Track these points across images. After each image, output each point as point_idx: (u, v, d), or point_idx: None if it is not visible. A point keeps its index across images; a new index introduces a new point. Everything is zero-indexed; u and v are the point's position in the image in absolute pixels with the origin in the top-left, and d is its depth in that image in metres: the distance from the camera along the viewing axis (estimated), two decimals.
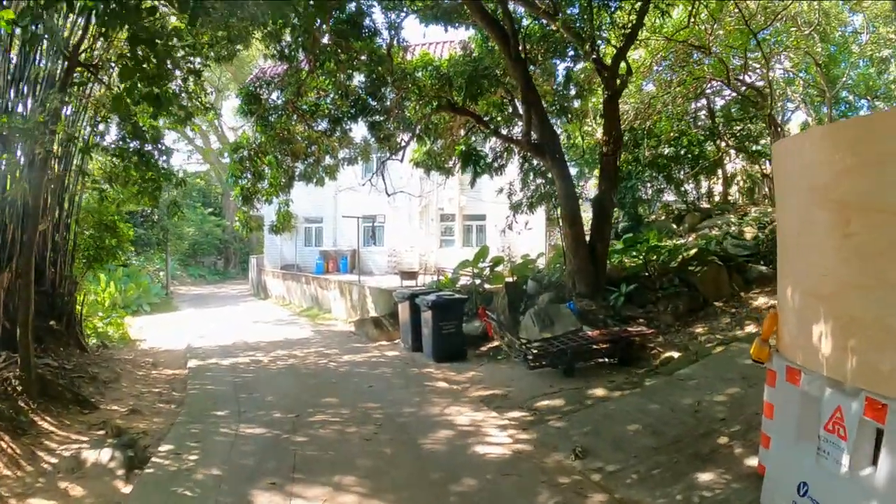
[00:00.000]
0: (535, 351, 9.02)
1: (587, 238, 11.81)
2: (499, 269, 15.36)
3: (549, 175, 13.16)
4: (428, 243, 25.95)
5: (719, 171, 23.33)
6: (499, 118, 14.09)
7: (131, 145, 9.19)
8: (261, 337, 15.19)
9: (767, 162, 18.74)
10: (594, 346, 9.26)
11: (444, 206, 25.87)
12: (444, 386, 9.00)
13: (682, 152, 20.12)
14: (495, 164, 14.48)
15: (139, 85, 5.54)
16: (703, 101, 20.56)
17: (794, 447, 4.07)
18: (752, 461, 4.98)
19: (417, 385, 9.09)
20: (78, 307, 11.42)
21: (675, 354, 8.96)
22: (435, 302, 10.84)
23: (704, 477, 4.96)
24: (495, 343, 11.49)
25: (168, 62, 6.16)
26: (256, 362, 11.51)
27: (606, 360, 9.36)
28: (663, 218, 22.44)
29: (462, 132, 15.67)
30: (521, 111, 13.09)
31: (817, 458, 3.83)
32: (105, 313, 16.24)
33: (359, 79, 13.68)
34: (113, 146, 9.36)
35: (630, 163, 18.82)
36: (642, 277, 12.24)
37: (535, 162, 14.12)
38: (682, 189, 22.72)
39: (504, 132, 14.00)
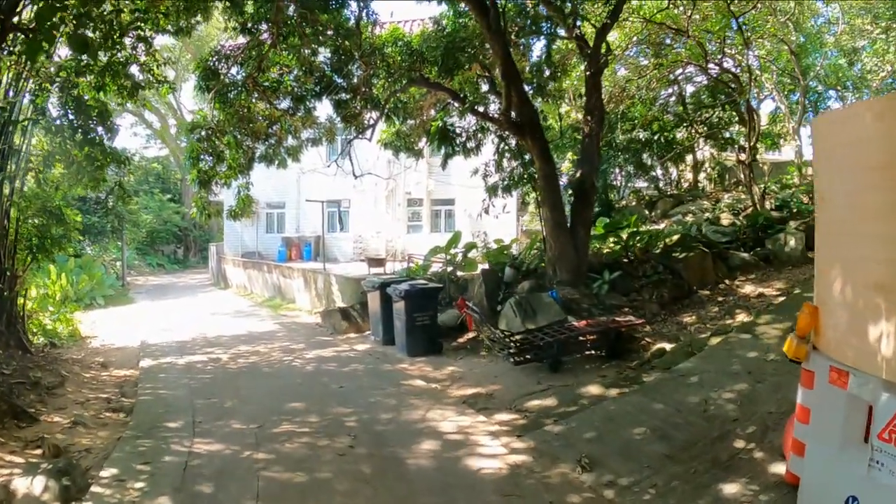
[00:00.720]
0: (518, 345, 8.41)
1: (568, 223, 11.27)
2: (472, 255, 14.75)
3: (528, 156, 12.52)
4: (395, 229, 25.19)
5: (688, 158, 23.16)
6: (473, 96, 13.36)
7: (72, 121, 8.18)
8: (221, 331, 14.25)
9: (739, 150, 18.44)
10: (581, 338, 8.69)
11: (412, 190, 25.11)
12: (422, 385, 8.29)
13: (655, 137, 19.74)
14: (469, 145, 13.75)
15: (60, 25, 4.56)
16: (675, 88, 20.22)
17: (840, 457, 3.57)
18: (777, 468, 4.47)
19: (393, 384, 8.33)
20: (21, 303, 10.41)
21: (667, 346, 8.45)
22: (408, 292, 10.14)
23: (729, 488, 4.40)
24: (472, 334, 10.88)
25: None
26: (215, 361, 10.59)
27: (593, 352, 8.82)
28: (634, 204, 22.20)
29: (433, 112, 14.98)
30: (497, 88, 12.46)
31: (869, 470, 3.35)
32: (55, 308, 15.14)
33: (324, 54, 12.85)
34: (53, 121, 8.28)
35: (602, 147, 18.33)
36: (623, 264, 11.76)
37: (512, 142, 13.45)
38: (653, 175, 22.48)
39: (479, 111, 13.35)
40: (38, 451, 5.74)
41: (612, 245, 13.15)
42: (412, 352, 10.12)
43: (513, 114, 11.07)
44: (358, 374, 9.15)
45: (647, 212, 20.09)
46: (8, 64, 8.04)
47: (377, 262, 18.03)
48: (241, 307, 19.74)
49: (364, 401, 7.47)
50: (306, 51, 12.03)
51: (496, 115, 12.20)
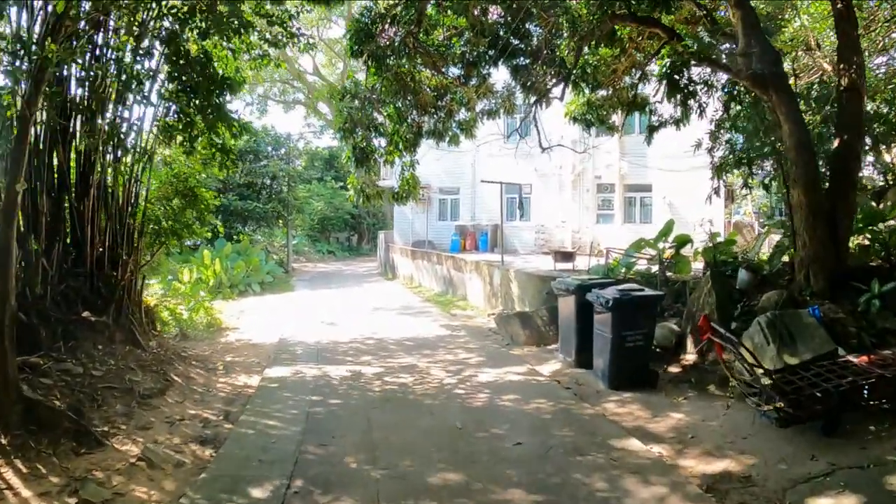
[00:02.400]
0: (787, 392, 5.68)
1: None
2: (684, 252, 12.09)
3: (767, 119, 9.63)
4: (582, 218, 22.75)
5: None
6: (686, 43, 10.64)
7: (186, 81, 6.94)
8: (377, 331, 12.78)
9: None
10: (864, 383, 5.93)
11: (602, 173, 22.47)
12: (639, 448, 5.79)
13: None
14: (692, 103, 10.94)
15: None
16: None
17: None
18: None
19: (597, 445, 5.85)
20: (139, 293, 9.67)
21: None
22: (618, 301, 7.77)
23: None
24: (689, 357, 8.40)
25: None
26: (356, 376, 8.91)
27: (873, 403, 5.98)
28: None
29: (627, 79, 12.51)
30: (726, 29, 9.71)
31: None
32: (209, 295, 14.82)
33: (497, 12, 10.98)
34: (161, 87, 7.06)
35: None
36: (885, 270, 8.52)
37: (744, 100, 10.56)
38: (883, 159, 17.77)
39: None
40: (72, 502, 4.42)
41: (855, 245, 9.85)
42: (616, 382, 7.83)
43: (752, 62, 8.36)
44: (544, 420, 6.81)
45: (872, 203, 15.86)
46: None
47: (565, 255, 15.71)
48: (407, 302, 18.41)
49: (554, 479, 5.11)
50: (475, 10, 10.29)
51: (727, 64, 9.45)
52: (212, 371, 8.98)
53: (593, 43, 10.65)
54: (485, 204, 24.66)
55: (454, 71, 11.76)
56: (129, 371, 7.51)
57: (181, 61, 6.79)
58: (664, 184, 21.28)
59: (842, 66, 8.69)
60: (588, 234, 22.35)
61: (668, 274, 11.04)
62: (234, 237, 25.15)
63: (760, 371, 5.99)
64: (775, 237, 20.48)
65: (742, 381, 6.29)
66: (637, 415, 6.79)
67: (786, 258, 9.65)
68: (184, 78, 6.83)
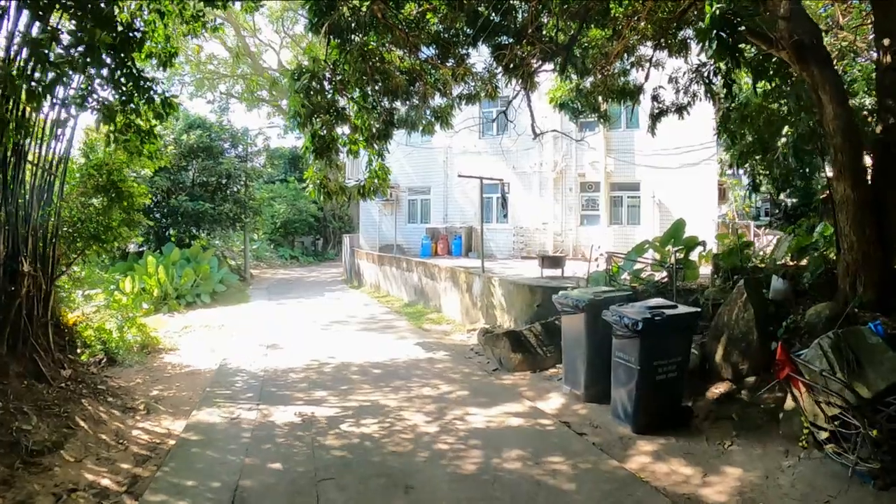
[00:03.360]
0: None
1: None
2: (693, 255, 10.84)
3: (803, 98, 8.36)
4: (565, 220, 21.44)
5: None
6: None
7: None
8: (336, 353, 10.99)
9: None
10: None
11: (586, 171, 21.18)
12: None
13: None
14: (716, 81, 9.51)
15: None
16: None
17: None
18: None
19: None
20: (54, 310, 8.01)
21: None
22: (651, 322, 6.25)
23: None
24: (720, 386, 7.07)
25: None
26: (308, 423, 7.05)
27: None
28: None
29: (617, 66, 11.34)
30: None
31: None
32: (152, 307, 13.11)
33: None
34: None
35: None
36: None
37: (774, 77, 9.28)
38: None
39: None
40: None
41: None
42: (644, 424, 6.36)
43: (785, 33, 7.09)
44: (568, 496, 5.07)
45: None
46: None
47: (553, 261, 14.18)
48: (372, 313, 16.63)
49: None
50: None
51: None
52: (130, 412, 7.25)
53: (583, 23, 9.43)
54: (458, 205, 23.25)
55: (427, 52, 10.36)
56: (20, 416, 5.85)
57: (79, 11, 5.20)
58: (653, 182, 20.14)
59: (886, 42, 7.46)
60: (571, 236, 21.06)
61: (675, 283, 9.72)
62: (189, 242, 23.27)
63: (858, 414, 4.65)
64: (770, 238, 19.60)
65: (817, 424, 4.93)
66: (682, 473, 5.34)
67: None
68: (80, 34, 5.22)
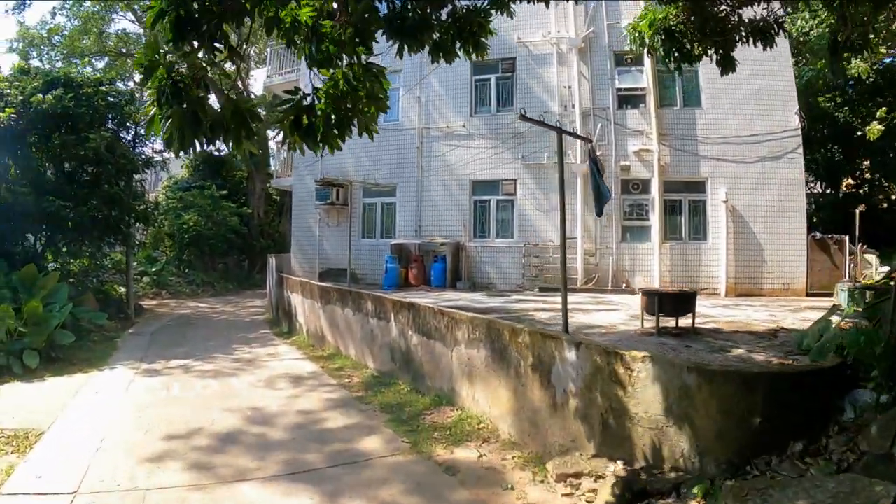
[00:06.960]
0: None
1: None
2: None
3: None
4: (600, 234, 15.30)
5: None
6: None
7: None
8: None
9: None
10: None
11: (631, 163, 15.24)
12: None
13: None
14: None
15: None
16: None
17: None
18: None
19: None
20: None
21: None
22: None
23: None
24: None
25: None
26: None
27: None
28: None
29: None
30: None
31: None
32: None
33: None
34: None
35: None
36: None
37: None
38: None
39: None
40: None
41: None
42: None
43: None
44: None
45: None
46: None
47: (673, 301, 7.64)
48: (310, 407, 9.53)
49: None
50: None
51: None
52: None
53: None
54: (437, 211, 16.75)
55: None
56: None
57: None
58: (723, 180, 14.57)
59: None
60: (609, 258, 15.03)
61: None
62: (33, 260, 15.95)
63: None
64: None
65: None
66: None
67: None
68: None
